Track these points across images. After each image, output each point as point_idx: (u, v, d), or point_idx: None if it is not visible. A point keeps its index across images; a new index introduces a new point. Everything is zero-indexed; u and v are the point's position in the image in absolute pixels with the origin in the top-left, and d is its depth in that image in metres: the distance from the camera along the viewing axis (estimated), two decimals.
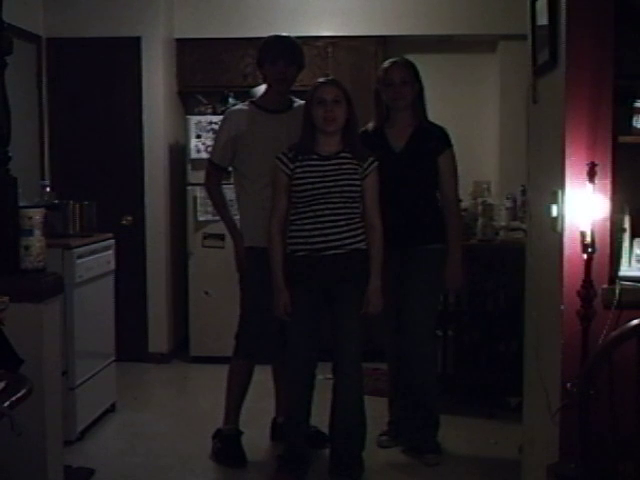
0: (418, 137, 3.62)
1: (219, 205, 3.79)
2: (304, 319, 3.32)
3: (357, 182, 3.26)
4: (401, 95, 3.59)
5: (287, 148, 3.32)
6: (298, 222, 3.28)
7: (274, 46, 3.63)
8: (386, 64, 3.71)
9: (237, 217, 3.77)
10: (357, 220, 3.29)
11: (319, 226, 3.24)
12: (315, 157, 3.27)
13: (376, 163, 3.30)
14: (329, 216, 3.23)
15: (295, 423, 3.44)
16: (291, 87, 3.69)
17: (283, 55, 3.58)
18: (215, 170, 3.74)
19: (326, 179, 3.23)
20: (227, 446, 3.69)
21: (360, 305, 3.29)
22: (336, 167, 3.26)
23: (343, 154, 3.28)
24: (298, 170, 3.26)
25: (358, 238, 3.28)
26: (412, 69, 3.66)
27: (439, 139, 3.65)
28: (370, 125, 3.73)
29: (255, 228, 3.59)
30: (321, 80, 3.36)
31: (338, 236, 3.24)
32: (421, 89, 3.67)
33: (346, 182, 3.24)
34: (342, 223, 3.24)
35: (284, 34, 3.73)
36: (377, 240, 3.30)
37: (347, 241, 3.25)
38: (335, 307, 3.31)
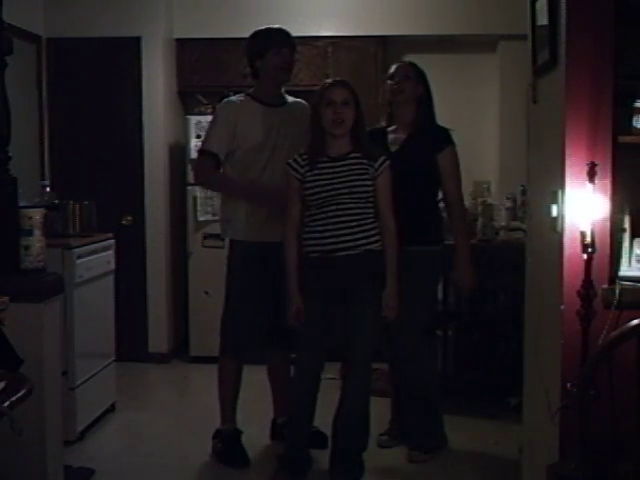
0: (416, 136, 3.61)
1: (225, 184, 3.72)
2: (315, 321, 3.30)
3: (368, 182, 3.25)
4: (400, 89, 3.61)
5: (297, 153, 3.32)
6: (311, 224, 3.27)
7: (276, 36, 3.62)
8: (394, 64, 3.78)
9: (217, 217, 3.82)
10: (370, 221, 3.27)
11: (331, 227, 3.22)
12: (325, 159, 3.27)
13: (387, 162, 3.28)
14: (341, 217, 3.22)
15: (298, 423, 3.43)
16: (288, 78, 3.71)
17: (287, 43, 3.60)
18: (211, 161, 3.61)
19: (336, 181, 3.22)
20: (228, 446, 3.69)
21: (374, 308, 3.27)
22: (346, 168, 3.25)
23: (353, 154, 3.27)
24: (309, 174, 3.26)
25: (372, 239, 3.26)
26: (417, 70, 3.69)
27: (438, 137, 3.63)
28: (381, 124, 3.78)
29: (246, 221, 3.60)
30: (329, 81, 3.36)
31: (350, 237, 3.22)
32: (428, 93, 3.68)
33: (356, 183, 3.22)
34: (354, 224, 3.22)
35: (275, 26, 3.70)
36: (392, 241, 3.29)
37: (360, 242, 3.23)
38: (348, 309, 3.29)
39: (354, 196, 3.22)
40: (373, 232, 3.27)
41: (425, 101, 3.67)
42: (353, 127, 3.26)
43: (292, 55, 3.63)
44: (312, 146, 3.30)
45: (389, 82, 3.67)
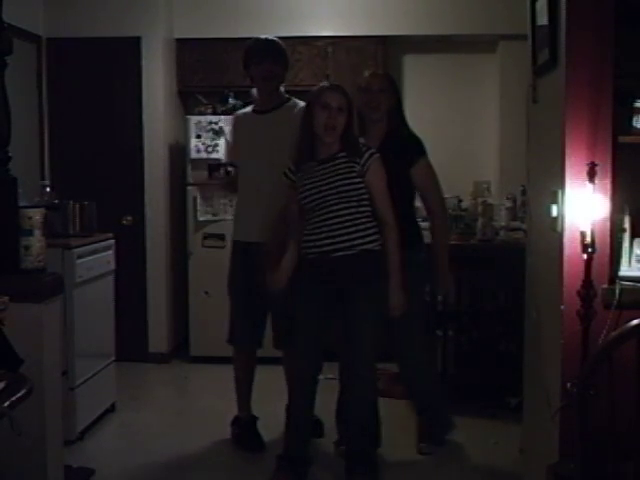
0: (386, 149, 3.40)
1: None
2: (312, 323, 3.31)
3: (355, 181, 3.22)
4: (377, 104, 3.47)
5: (289, 158, 3.34)
6: (309, 228, 3.27)
7: (258, 48, 3.80)
8: (366, 74, 3.64)
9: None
10: (365, 220, 3.24)
11: (325, 229, 3.22)
12: (313, 163, 3.27)
13: (376, 155, 3.24)
14: (334, 219, 3.21)
15: (296, 426, 3.42)
16: (279, 85, 3.80)
17: (267, 55, 3.74)
18: (226, 172, 4.01)
19: (322, 183, 3.22)
20: (245, 432, 3.86)
21: (373, 307, 3.25)
22: (331, 169, 3.23)
23: (340, 154, 3.26)
24: (299, 179, 3.28)
25: (368, 239, 3.23)
26: (390, 80, 3.61)
27: (409, 150, 3.50)
28: None
29: (243, 223, 3.80)
30: (327, 84, 3.34)
31: (346, 237, 3.20)
32: (399, 101, 3.60)
33: (342, 183, 3.20)
34: (348, 224, 3.21)
35: (270, 37, 3.86)
36: (391, 236, 3.24)
37: (356, 242, 3.21)
38: (346, 308, 3.28)
39: (342, 198, 3.20)
40: (370, 231, 3.24)
41: (396, 111, 3.54)
42: (343, 133, 3.24)
43: (274, 65, 3.74)
44: (300, 149, 3.31)
45: (363, 94, 3.49)
